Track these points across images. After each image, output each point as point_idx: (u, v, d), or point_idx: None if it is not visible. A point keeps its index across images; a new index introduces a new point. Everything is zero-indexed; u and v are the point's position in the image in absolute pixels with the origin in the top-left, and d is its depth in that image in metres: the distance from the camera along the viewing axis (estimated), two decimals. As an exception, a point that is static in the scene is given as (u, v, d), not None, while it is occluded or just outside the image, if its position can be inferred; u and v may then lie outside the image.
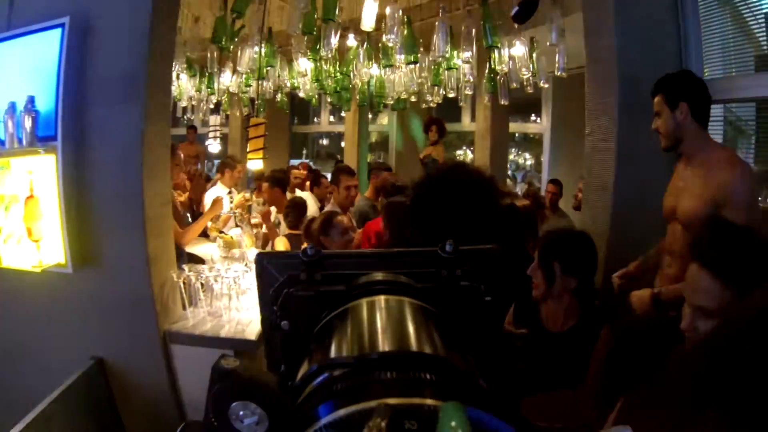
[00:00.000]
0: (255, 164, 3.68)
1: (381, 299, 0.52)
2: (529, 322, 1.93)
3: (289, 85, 5.33)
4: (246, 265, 2.95)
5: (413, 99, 5.51)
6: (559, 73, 3.74)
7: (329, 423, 0.38)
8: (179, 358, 2.45)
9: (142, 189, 2.29)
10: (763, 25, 2.45)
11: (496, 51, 3.91)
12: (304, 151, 11.93)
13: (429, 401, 0.37)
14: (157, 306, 2.36)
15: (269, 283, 0.58)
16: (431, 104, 5.50)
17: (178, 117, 7.18)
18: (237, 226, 4.04)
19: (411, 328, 0.49)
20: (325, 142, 12.85)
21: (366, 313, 0.51)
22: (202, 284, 2.54)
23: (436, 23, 3.67)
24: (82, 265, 2.35)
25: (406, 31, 3.64)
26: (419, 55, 4.01)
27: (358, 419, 0.37)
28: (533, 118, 8.85)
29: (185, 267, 2.56)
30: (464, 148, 9.87)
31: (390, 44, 3.59)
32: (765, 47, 2.47)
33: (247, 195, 4.64)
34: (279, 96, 6.06)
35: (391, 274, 0.56)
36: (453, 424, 0.33)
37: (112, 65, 2.30)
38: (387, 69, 4.65)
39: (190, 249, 3.69)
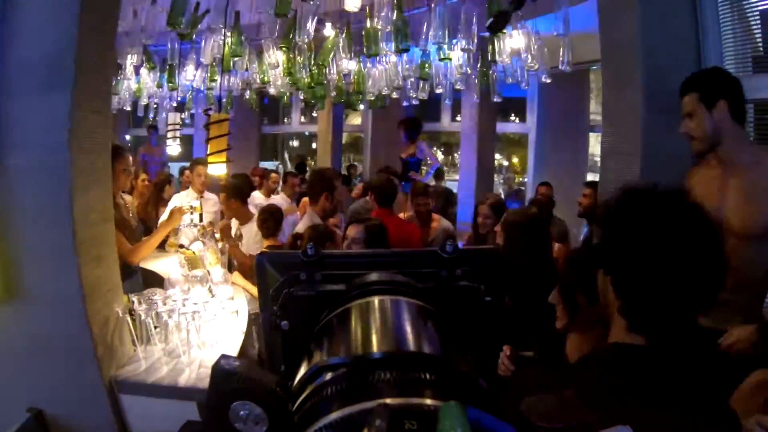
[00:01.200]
0: (217, 169, 3.09)
1: (381, 299, 0.52)
2: (548, 351, 1.82)
3: (258, 80, 4.99)
4: (210, 290, 2.73)
5: (394, 96, 5.27)
6: (563, 68, 3.24)
7: (329, 423, 0.38)
8: (131, 410, 2.09)
9: (71, 203, 1.90)
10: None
11: (497, 40, 3.37)
12: (286, 157, 11.26)
13: (429, 401, 0.38)
14: (98, 348, 2.01)
15: (269, 283, 0.58)
16: (413, 101, 5.36)
17: (140, 117, 6.96)
18: (199, 240, 3.63)
19: (411, 329, 0.49)
20: (295, 143, 12.25)
21: (366, 313, 0.50)
22: (156, 317, 2.23)
23: (432, 5, 3.39)
24: (7, 298, 1.98)
25: (395, 14, 3.36)
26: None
27: (357, 419, 0.37)
28: (512, 117, 8.78)
29: (135, 298, 2.23)
30: (436, 149, 9.35)
31: (379, 27, 3.34)
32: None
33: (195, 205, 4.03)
34: (248, 93, 5.84)
35: (391, 274, 0.56)
36: (453, 424, 0.34)
37: (33, 44, 1.91)
38: (369, 61, 4.47)
39: (147, 265, 3.41)
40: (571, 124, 7.10)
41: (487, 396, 0.44)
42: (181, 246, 3.73)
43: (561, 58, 3.57)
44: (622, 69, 2.25)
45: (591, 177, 7.32)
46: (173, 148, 5.10)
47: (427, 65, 4.19)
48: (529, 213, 2.80)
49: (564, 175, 6.74)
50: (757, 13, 2.29)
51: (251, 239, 3.87)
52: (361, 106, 6.44)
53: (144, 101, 6.08)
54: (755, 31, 2.30)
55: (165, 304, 2.20)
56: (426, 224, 4.12)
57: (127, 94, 5.78)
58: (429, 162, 6.94)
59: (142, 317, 2.18)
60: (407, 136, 6.14)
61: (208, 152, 3.13)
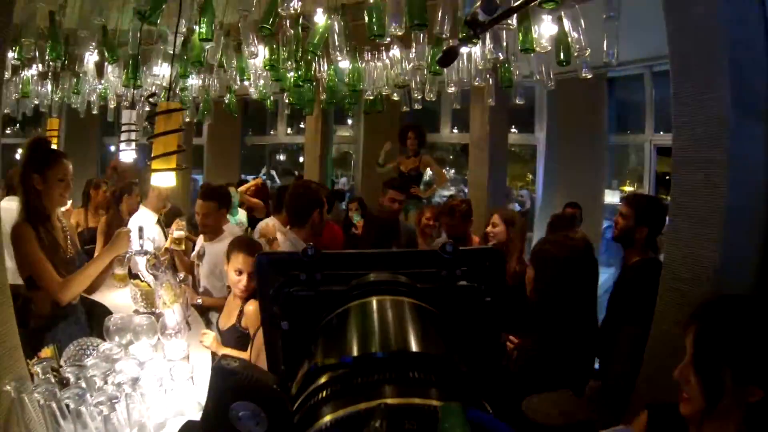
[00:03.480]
0: (163, 179, 2.29)
1: (381, 299, 0.54)
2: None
3: (237, 79, 4.47)
4: (157, 348, 2.28)
5: (395, 97, 4.76)
6: (610, 60, 2.51)
7: (329, 423, 0.40)
8: None
9: None
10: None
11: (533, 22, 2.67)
12: (273, 173, 10.61)
13: (429, 401, 0.40)
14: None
15: (269, 283, 0.60)
16: (414, 104, 4.69)
17: (110, 122, 6.58)
18: (148, 272, 2.99)
19: (411, 329, 0.50)
20: (282, 157, 11.60)
21: (366, 314, 0.53)
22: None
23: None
24: None
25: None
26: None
27: (358, 419, 0.39)
28: (512, 129, 8.14)
29: (39, 368, 1.74)
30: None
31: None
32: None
33: (181, 222, 3.82)
34: (228, 97, 5.42)
35: (391, 274, 0.58)
36: (453, 424, 0.35)
37: None
38: (367, 54, 4.05)
39: (98, 297, 3.00)
40: (586, 134, 6.39)
41: (487, 395, 0.45)
42: (135, 276, 3.30)
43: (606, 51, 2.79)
44: (701, 64, 1.94)
45: (611, 195, 6.70)
46: (127, 154, 4.27)
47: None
48: (569, 242, 2.26)
49: (577, 192, 6.01)
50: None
51: (215, 261, 3.46)
52: (350, 121, 5.68)
53: (111, 104, 5.67)
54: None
55: (74, 385, 1.66)
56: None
57: (93, 96, 5.43)
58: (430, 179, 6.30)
59: (40, 401, 1.56)
60: (420, 143, 5.84)
61: (152, 155, 2.33)
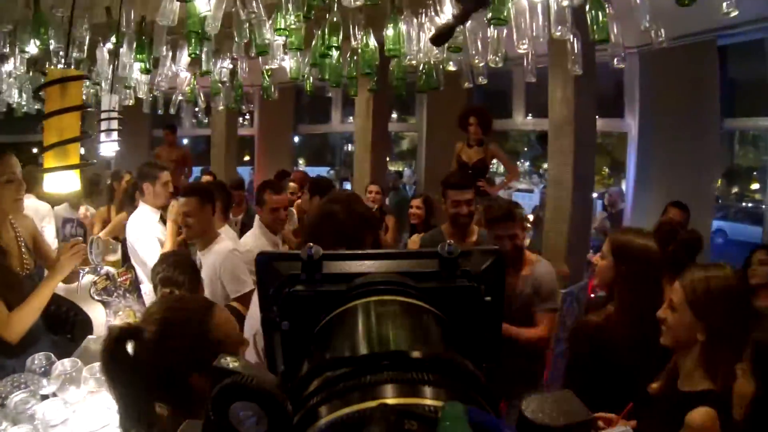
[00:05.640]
0: (58, 182, 1.65)
1: (381, 299, 0.57)
2: None
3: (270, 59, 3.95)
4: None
5: (451, 67, 3.98)
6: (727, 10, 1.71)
7: (329, 423, 0.42)
8: None
9: None
10: None
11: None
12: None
13: (429, 401, 0.42)
14: None
15: (269, 283, 0.63)
16: (479, 78, 3.89)
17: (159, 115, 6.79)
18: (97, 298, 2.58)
19: (411, 328, 0.53)
20: (350, 147, 11.36)
21: (366, 313, 0.55)
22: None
23: None
24: None
25: None
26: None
27: (358, 419, 0.41)
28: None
29: None
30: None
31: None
32: None
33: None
34: (264, 81, 5.08)
35: (391, 274, 0.61)
36: (454, 424, 0.37)
37: None
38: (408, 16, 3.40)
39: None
40: (692, 118, 5.34)
41: (488, 396, 0.47)
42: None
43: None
44: None
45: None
46: (107, 146, 3.76)
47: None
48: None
49: (680, 189, 5.22)
50: None
51: (211, 272, 3.04)
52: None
53: (141, 94, 5.38)
54: None
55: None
56: (516, 265, 2.97)
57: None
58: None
59: None
60: (484, 129, 5.11)
61: (44, 145, 1.71)
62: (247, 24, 3.41)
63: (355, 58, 4.15)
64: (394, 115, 9.46)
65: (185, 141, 10.88)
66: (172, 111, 6.24)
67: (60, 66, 3.56)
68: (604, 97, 6.44)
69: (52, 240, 4.34)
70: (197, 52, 3.94)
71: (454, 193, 3.26)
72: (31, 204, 4.60)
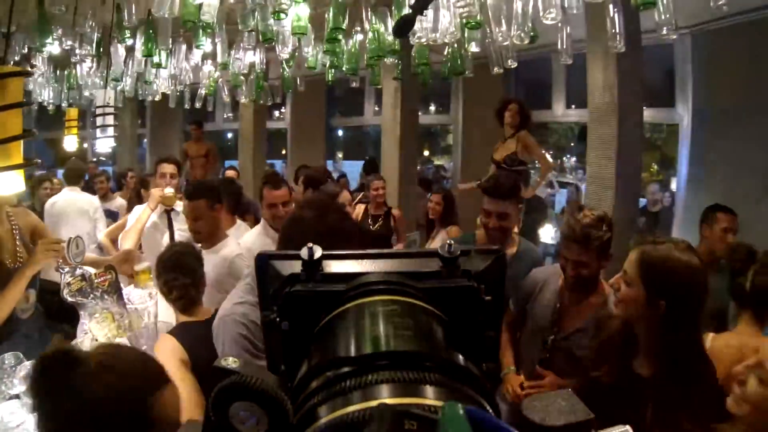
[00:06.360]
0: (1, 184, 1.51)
1: (381, 299, 0.57)
2: None
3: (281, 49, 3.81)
4: None
5: (474, 47, 3.49)
6: None
7: (329, 423, 0.43)
8: None
9: None
10: None
11: None
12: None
13: (429, 401, 0.43)
14: None
15: (269, 282, 0.64)
16: (508, 61, 3.66)
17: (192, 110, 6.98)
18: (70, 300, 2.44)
19: (411, 328, 0.53)
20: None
21: (366, 313, 0.56)
22: None
23: None
24: None
25: None
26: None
27: (358, 419, 0.41)
28: None
29: None
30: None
31: None
32: None
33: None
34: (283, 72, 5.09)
35: (391, 274, 0.62)
36: (454, 424, 0.37)
37: None
38: None
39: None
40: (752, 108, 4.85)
41: (488, 395, 0.48)
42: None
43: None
44: None
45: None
46: (103, 142, 3.70)
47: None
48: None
49: (740, 190, 4.72)
50: None
51: (216, 273, 2.92)
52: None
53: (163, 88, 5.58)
54: None
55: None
56: (583, 290, 2.51)
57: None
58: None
59: None
60: (522, 120, 4.78)
61: None
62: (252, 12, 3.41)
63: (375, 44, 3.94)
64: (432, 108, 9.35)
65: (217, 135, 11.05)
66: (197, 105, 6.25)
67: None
68: (652, 84, 5.98)
69: (98, 233, 4.56)
70: (203, 43, 3.94)
71: (487, 201, 2.83)
72: (77, 197, 4.93)
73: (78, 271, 2.52)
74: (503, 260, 0.68)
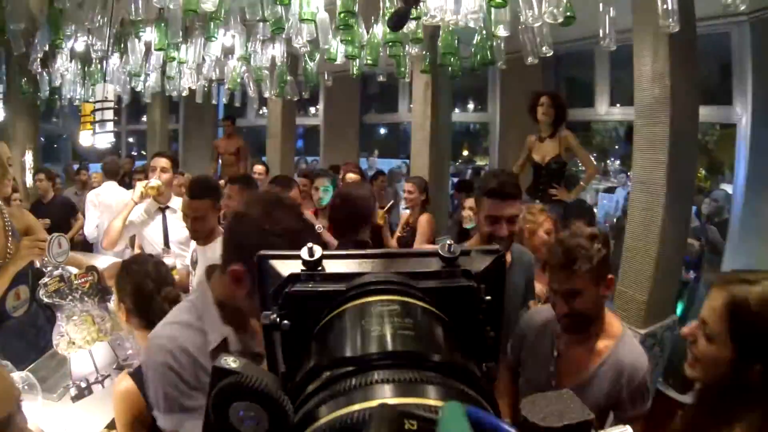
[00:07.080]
0: None
1: (381, 299, 0.58)
2: None
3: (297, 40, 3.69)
4: None
5: (502, 31, 3.17)
6: None
7: (329, 423, 0.43)
8: None
9: None
10: None
11: None
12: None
13: (429, 401, 0.43)
14: None
15: (269, 282, 0.65)
16: (543, 48, 3.36)
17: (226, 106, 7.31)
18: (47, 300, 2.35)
19: (411, 328, 0.54)
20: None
21: (366, 313, 0.57)
22: None
23: None
24: None
25: None
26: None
27: (358, 419, 0.42)
28: None
29: None
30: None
31: None
32: None
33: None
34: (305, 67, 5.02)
35: (391, 273, 0.63)
36: (454, 424, 0.37)
37: None
38: None
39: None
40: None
41: (488, 395, 0.49)
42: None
43: None
44: None
45: None
46: (102, 138, 3.65)
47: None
48: None
49: None
50: None
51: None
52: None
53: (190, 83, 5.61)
54: None
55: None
56: (582, 330, 2.12)
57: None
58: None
59: None
60: (558, 116, 4.42)
61: None
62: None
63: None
64: (471, 106, 9.26)
65: (252, 131, 11.28)
66: (224, 101, 6.21)
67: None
68: (705, 78, 5.38)
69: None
70: (215, 36, 3.93)
71: (492, 204, 2.35)
72: (118, 191, 5.06)
73: (56, 272, 2.43)
74: (503, 260, 0.68)
